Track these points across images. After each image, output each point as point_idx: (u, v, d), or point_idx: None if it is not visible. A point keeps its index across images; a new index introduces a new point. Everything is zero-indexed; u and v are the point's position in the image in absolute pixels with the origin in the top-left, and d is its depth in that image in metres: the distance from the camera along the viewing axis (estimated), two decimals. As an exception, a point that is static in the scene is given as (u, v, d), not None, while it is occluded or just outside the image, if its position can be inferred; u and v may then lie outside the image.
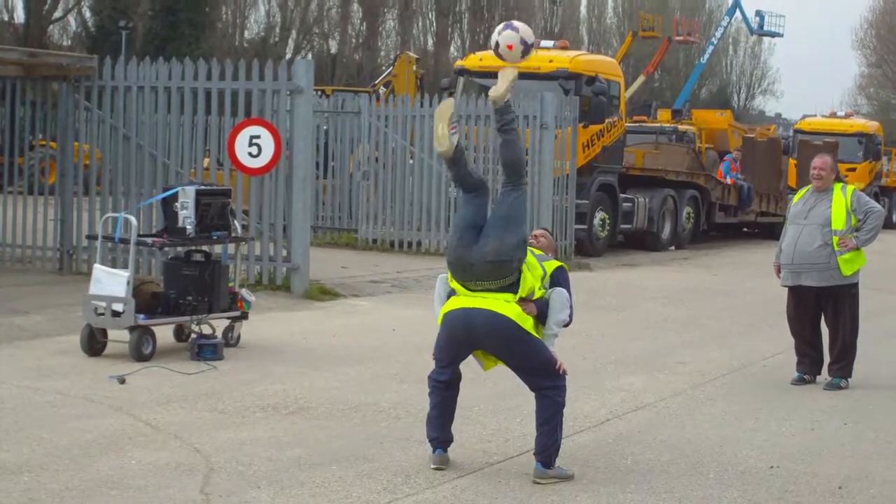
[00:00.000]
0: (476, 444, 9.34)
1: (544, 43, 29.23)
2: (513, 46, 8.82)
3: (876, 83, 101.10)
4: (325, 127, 26.40)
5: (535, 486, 8.25)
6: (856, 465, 9.27)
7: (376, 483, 8.18)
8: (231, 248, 14.16)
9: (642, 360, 13.63)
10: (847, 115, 48.21)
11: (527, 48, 8.83)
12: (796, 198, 12.95)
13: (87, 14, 69.62)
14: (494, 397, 10.83)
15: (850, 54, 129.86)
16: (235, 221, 13.75)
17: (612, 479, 8.53)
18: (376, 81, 44.33)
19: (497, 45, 8.85)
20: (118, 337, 12.39)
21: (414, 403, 10.49)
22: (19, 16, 68.10)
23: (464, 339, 8.43)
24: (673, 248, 30.14)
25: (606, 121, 27.06)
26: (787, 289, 12.79)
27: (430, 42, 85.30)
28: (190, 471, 8.32)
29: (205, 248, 13.58)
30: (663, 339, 15.42)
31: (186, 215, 12.97)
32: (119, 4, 63.28)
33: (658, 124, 43.01)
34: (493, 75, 29.49)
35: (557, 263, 8.73)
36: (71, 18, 71.48)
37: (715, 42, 69.47)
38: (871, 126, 46.70)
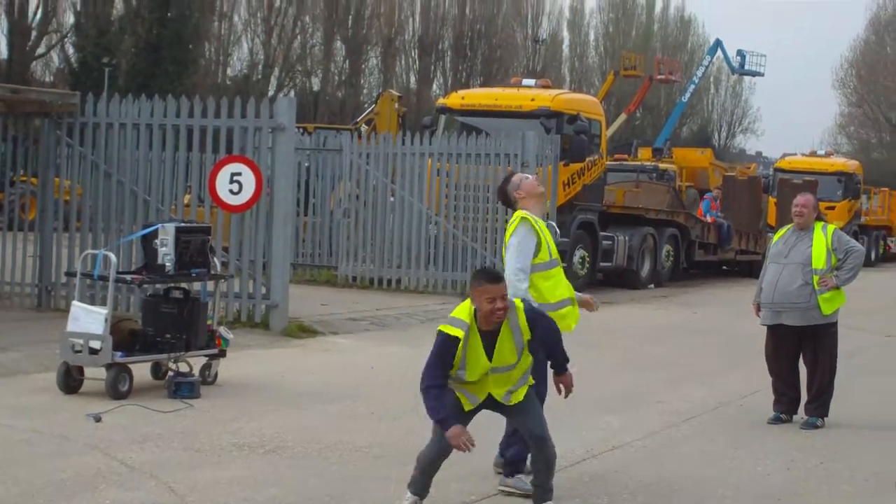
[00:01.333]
0: (453, 484, 9.32)
1: (526, 81, 29.40)
2: None
3: (856, 122, 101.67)
4: (306, 164, 26.40)
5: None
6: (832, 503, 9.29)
7: (352, 522, 8.17)
8: (210, 285, 14.16)
9: (620, 399, 13.64)
10: (827, 154, 48.44)
11: None
12: (777, 237, 12.99)
13: (71, 50, 69.75)
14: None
15: (830, 94, 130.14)
16: (215, 259, 13.75)
17: (588, 519, 8.53)
18: (358, 119, 44.49)
19: None
20: (95, 374, 12.36)
21: (391, 443, 10.48)
22: (2, 52, 68.31)
23: None
24: (652, 286, 30.15)
25: (587, 159, 27.11)
26: (765, 327, 12.82)
27: (413, 80, 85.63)
28: (165, 510, 8.30)
29: (184, 285, 13.58)
30: (642, 378, 15.42)
31: (166, 252, 12.96)
32: (102, 41, 63.41)
33: (639, 163, 43.20)
34: (473, 113, 29.52)
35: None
36: (54, 55, 71.67)
37: (696, 81, 69.78)
38: (851, 165, 46.89)
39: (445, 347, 7.95)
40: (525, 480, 9.19)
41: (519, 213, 9.52)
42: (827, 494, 9.62)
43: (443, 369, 7.99)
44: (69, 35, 69.49)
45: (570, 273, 25.91)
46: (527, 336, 8.24)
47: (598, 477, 9.83)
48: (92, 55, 63.68)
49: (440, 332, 8.02)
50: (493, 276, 7.99)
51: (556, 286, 9.55)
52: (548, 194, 24.63)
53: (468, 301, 8.08)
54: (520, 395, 8.42)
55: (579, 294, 9.58)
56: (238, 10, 77.18)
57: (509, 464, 9.37)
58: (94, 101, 18.21)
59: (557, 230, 10.25)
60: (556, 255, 9.57)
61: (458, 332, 7.94)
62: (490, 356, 8.08)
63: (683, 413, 12.93)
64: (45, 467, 9.30)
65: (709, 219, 34.35)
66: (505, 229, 9.85)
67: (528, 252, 9.32)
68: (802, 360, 12.72)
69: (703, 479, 9.89)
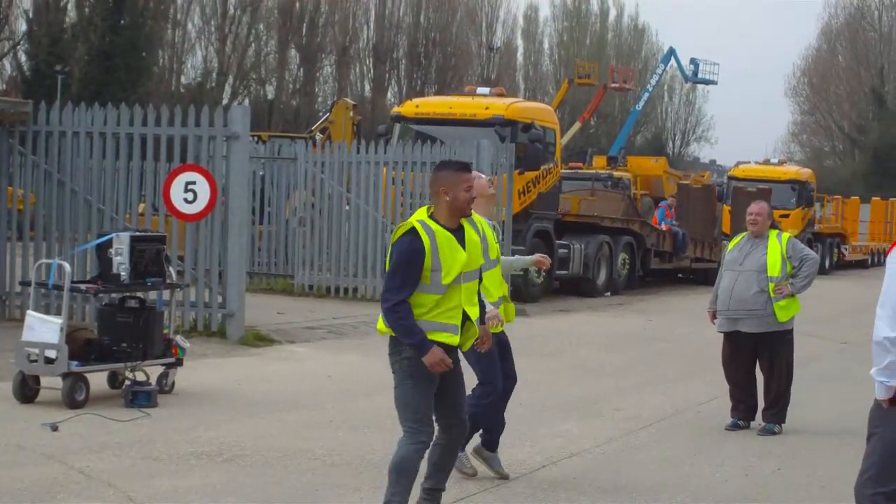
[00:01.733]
0: (413, 489, 9.30)
1: (480, 90, 29.40)
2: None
3: (809, 130, 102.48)
4: (261, 173, 26.32)
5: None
6: (789, 510, 9.33)
7: (311, 531, 8.14)
8: (166, 294, 14.08)
9: (578, 406, 13.66)
10: (780, 162, 48.64)
11: None
12: (731, 244, 13.05)
13: (23, 58, 69.33)
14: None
15: (783, 102, 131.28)
16: (170, 268, 13.69)
17: (548, 526, 8.53)
18: (313, 127, 44.37)
19: None
20: (51, 384, 12.28)
21: (350, 451, 10.45)
22: (-46, 60, 67.78)
23: None
24: (608, 294, 30.20)
25: (542, 167, 27.16)
26: (722, 335, 12.87)
27: (368, 88, 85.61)
28: (123, 519, 8.25)
29: (139, 294, 13.51)
30: (599, 385, 15.45)
31: (121, 261, 12.90)
32: (55, 49, 63.08)
33: (594, 171, 43.23)
34: (428, 121, 29.51)
35: None
36: (6, 62, 71.21)
37: (650, 89, 70.02)
38: (804, 173, 47.14)
39: (412, 255, 7.57)
40: (462, 460, 9.77)
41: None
42: (784, 500, 9.67)
43: (410, 282, 7.58)
44: (21, 42, 69.13)
45: (526, 281, 26.08)
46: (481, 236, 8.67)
47: (557, 484, 9.84)
48: (44, 63, 63.37)
49: (405, 235, 7.63)
50: (463, 164, 8.03)
51: (493, 286, 9.56)
52: (503, 202, 24.68)
53: (421, 210, 8.01)
54: (470, 338, 8.09)
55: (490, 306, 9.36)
56: (192, 18, 77.07)
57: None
58: (47, 109, 18.10)
59: (500, 231, 10.34)
60: (494, 255, 9.52)
61: (425, 238, 7.64)
62: (464, 247, 7.83)
63: (641, 420, 12.96)
64: (1, 477, 9.23)
65: (664, 227, 34.45)
66: None
67: None
68: (759, 366, 12.77)
69: (662, 486, 9.92)
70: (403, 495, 7.75)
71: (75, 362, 12.25)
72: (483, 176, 10.05)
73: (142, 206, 18.97)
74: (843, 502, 8.09)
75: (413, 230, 7.63)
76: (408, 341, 7.60)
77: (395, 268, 7.62)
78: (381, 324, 7.79)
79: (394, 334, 7.67)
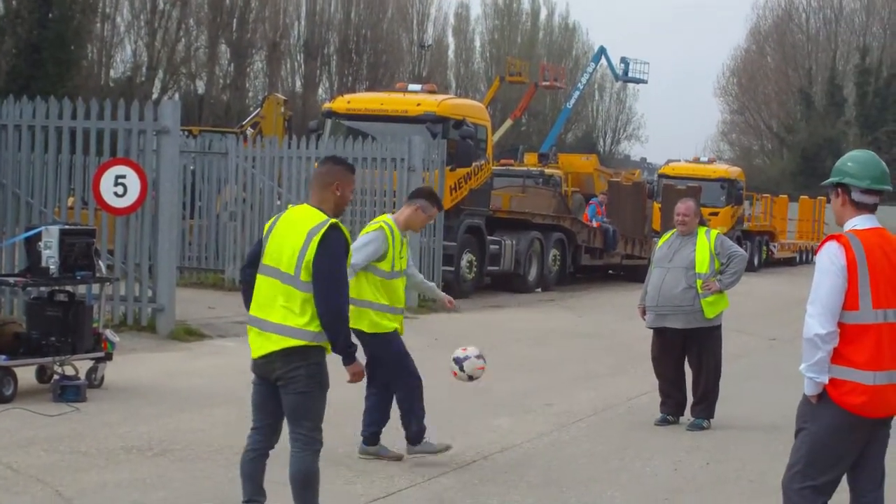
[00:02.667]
0: (341, 486, 9.31)
1: (412, 86, 29.40)
2: (457, 374, 10.60)
3: (738, 129, 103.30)
4: (191, 167, 26.18)
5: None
6: (718, 503, 9.40)
7: (242, 525, 8.11)
8: (95, 288, 13.98)
9: (509, 402, 13.69)
10: (710, 161, 49.02)
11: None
12: (661, 241, 13.14)
13: (-51, 52, 68.55)
14: (359, 440, 10.78)
15: (712, 101, 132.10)
16: (100, 261, 13.60)
17: (479, 520, 8.55)
18: (244, 122, 44.18)
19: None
20: (-22, 378, 12.17)
21: (281, 445, 10.40)
22: None
23: None
24: (539, 290, 30.28)
25: (474, 164, 27.18)
26: (651, 330, 12.96)
27: (299, 84, 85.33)
28: (52, 514, 8.19)
29: (69, 288, 13.41)
30: (530, 381, 15.50)
31: (50, 255, 12.80)
32: (-18, 42, 62.43)
33: (525, 168, 43.32)
34: (359, 117, 29.43)
35: None
36: (-68, 55, 70.34)
37: (581, 88, 70.24)
38: (734, 171, 47.50)
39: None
40: (434, 444, 10.26)
41: (382, 217, 10.57)
42: (713, 494, 9.75)
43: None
44: (-53, 36, 68.38)
45: (457, 277, 26.11)
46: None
47: (489, 479, 9.87)
48: (-29, 56, 62.71)
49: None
50: (352, 166, 7.97)
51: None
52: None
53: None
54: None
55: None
56: (121, 12, 76.30)
57: (370, 431, 10.40)
58: (-25, 102, 17.91)
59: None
60: (399, 267, 10.39)
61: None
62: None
63: (572, 415, 13.02)
64: (-73, 472, 9.15)
65: (595, 224, 34.57)
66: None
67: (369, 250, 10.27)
68: (688, 362, 12.86)
69: (592, 480, 9.98)
70: (317, 502, 7.64)
71: (3, 356, 12.16)
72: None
73: (71, 199, 18.82)
74: (771, 496, 8.17)
75: (336, 226, 7.51)
76: (351, 349, 7.55)
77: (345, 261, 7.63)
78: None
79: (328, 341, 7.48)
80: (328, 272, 7.35)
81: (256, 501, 7.74)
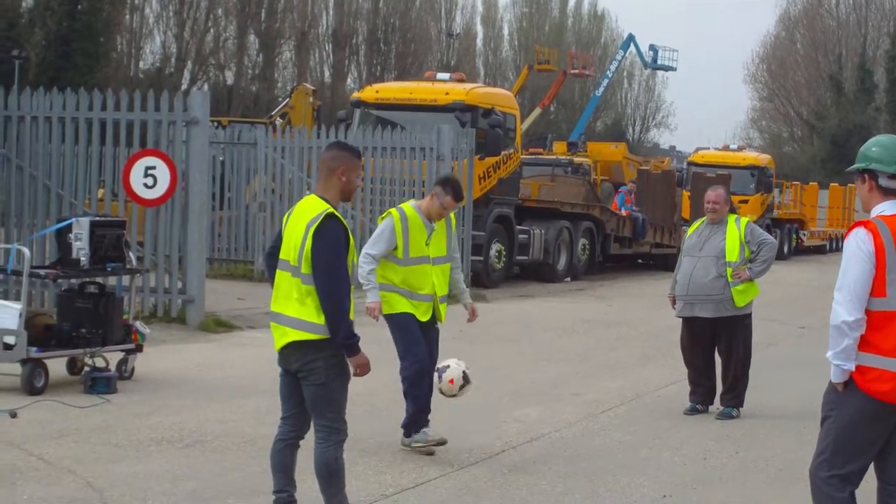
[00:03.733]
0: (371, 476, 9.34)
1: (440, 75, 29.41)
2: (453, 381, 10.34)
3: (768, 117, 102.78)
4: (221, 158, 26.25)
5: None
6: (747, 493, 9.40)
7: (272, 515, 8.16)
8: (125, 279, 14.04)
9: (537, 391, 13.70)
10: (739, 148, 48.88)
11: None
12: (691, 230, 13.11)
13: (-21, 44, 68.81)
14: (390, 430, 10.81)
15: (742, 88, 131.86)
16: (130, 253, 13.66)
17: (508, 510, 8.57)
18: (273, 113, 44.27)
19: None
20: (10, 370, 12.24)
21: (309, 435, 10.44)
22: None
23: None
24: (568, 279, 30.25)
25: (502, 153, 27.18)
26: (681, 319, 12.94)
27: (327, 74, 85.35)
28: (83, 505, 8.25)
29: (99, 279, 13.47)
30: (558, 370, 15.50)
31: (80, 247, 12.86)
32: (12, 34, 62.58)
33: (554, 156, 43.29)
34: (388, 107, 29.38)
35: None
36: (-38, 48, 70.64)
37: (610, 75, 70.14)
38: (763, 159, 47.33)
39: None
40: (428, 432, 10.19)
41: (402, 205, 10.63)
42: (742, 483, 9.74)
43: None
44: (-23, 28, 68.62)
45: (486, 266, 26.13)
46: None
47: (517, 468, 9.88)
48: (1, 48, 62.88)
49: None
50: (358, 151, 7.97)
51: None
52: (464, 187, 24.67)
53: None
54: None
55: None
56: (150, 3, 76.40)
57: (407, 426, 10.27)
58: (5, 94, 17.99)
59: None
60: (421, 253, 10.42)
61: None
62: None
63: (601, 404, 13.02)
64: (-40, 464, 9.22)
65: (624, 212, 34.52)
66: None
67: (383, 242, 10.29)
68: (717, 351, 12.84)
69: (621, 469, 9.98)
70: (338, 498, 7.59)
71: (34, 348, 12.21)
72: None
73: (101, 191, 18.90)
74: (800, 484, 8.15)
75: (332, 215, 7.49)
76: (354, 338, 7.44)
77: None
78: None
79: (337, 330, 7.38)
80: (325, 264, 7.32)
81: (286, 492, 7.74)
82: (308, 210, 7.48)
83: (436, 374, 10.31)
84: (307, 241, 7.34)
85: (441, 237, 10.54)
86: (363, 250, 10.30)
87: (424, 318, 10.30)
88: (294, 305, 7.42)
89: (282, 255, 7.57)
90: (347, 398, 7.64)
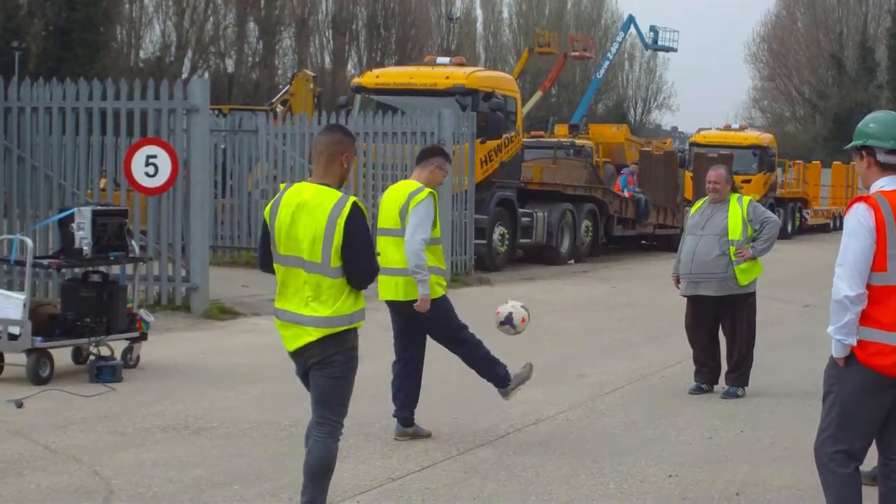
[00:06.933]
0: (377, 461, 9.35)
1: (441, 59, 29.44)
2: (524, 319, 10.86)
3: (769, 96, 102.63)
4: (222, 146, 26.25)
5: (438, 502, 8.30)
6: (753, 471, 9.41)
7: (279, 501, 8.19)
8: (129, 268, 14.04)
9: (542, 373, 13.64)
10: (741, 128, 48.83)
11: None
12: (693, 209, 13.11)
13: (-22, 36, 68.76)
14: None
15: (743, 68, 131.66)
16: (133, 241, 13.66)
17: (514, 492, 8.59)
18: (273, 100, 44.22)
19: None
20: (15, 360, 12.26)
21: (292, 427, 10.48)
22: None
23: None
24: (572, 261, 30.26)
25: (504, 136, 27.19)
26: (685, 301, 12.94)
27: (328, 60, 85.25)
28: (90, 494, 8.27)
29: (102, 268, 13.48)
30: (563, 352, 15.51)
31: (83, 236, 12.87)
32: (11, 25, 62.54)
33: (556, 139, 43.25)
34: (389, 92, 29.34)
35: None
36: (-38, 40, 70.58)
37: (610, 57, 69.99)
38: (765, 138, 47.32)
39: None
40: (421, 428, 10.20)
41: (427, 189, 10.18)
42: (747, 462, 9.74)
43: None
44: (-23, 20, 68.57)
45: (490, 250, 26.14)
46: None
47: (523, 450, 9.90)
48: (1, 39, 62.85)
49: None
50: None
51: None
52: (465, 172, 24.71)
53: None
54: None
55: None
56: (149, -8, 76.49)
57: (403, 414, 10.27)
58: (5, 85, 17.99)
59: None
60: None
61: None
62: None
63: (605, 386, 13.03)
64: (-34, 454, 9.24)
65: (626, 194, 34.54)
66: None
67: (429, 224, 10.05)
68: (722, 330, 12.84)
69: (627, 449, 9.99)
70: (324, 496, 7.34)
71: (39, 338, 12.23)
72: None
73: (103, 180, 18.91)
74: (806, 461, 8.16)
75: (357, 204, 7.20)
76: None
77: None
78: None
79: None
80: (361, 254, 7.12)
81: None
82: (318, 200, 7.13)
83: (506, 326, 10.65)
84: (336, 234, 7.03)
85: None
86: (416, 236, 9.89)
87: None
88: (311, 304, 7.14)
89: (284, 251, 7.21)
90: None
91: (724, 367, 12.80)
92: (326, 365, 7.22)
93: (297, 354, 7.29)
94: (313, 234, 7.08)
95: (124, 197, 17.84)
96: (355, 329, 7.29)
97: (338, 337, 7.18)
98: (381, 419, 10.55)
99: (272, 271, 7.38)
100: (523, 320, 10.71)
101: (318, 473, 7.27)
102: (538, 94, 64.80)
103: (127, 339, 13.18)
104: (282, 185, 7.51)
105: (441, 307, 10.09)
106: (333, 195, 7.15)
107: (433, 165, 10.34)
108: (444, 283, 10.27)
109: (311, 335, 7.15)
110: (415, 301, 9.88)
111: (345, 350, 7.22)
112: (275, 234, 7.23)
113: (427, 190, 10.09)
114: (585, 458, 9.66)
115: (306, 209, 7.13)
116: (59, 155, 17.90)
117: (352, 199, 7.12)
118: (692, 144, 46.28)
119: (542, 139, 42.40)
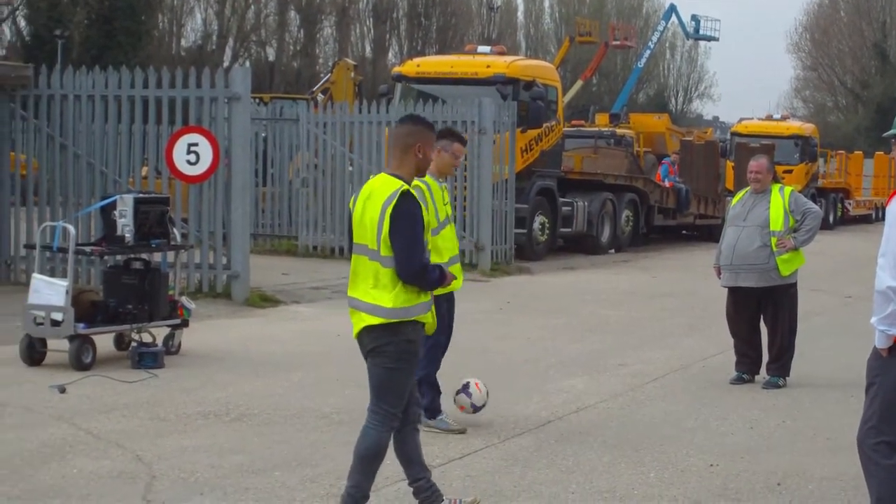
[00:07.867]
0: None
1: (481, 48, 29.40)
2: (464, 408, 10.14)
3: (811, 86, 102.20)
4: (263, 134, 26.35)
5: (473, 490, 8.30)
6: (794, 461, 9.37)
7: (320, 487, 8.20)
8: (170, 255, 14.10)
9: (583, 363, 13.69)
10: (783, 118, 48.59)
11: (476, 410, 10.19)
12: (735, 200, 13.06)
13: (22, 23, 69.14)
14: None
15: (785, 58, 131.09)
16: (174, 229, 13.72)
17: (554, 480, 8.58)
18: (314, 88, 44.39)
19: (454, 400, 10.16)
20: (58, 346, 12.33)
21: (356, 408, 10.46)
22: (-48, 26, 67.57)
23: None
24: (612, 251, 30.21)
25: (544, 125, 27.14)
26: (726, 290, 12.89)
27: (368, 49, 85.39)
28: (132, 479, 8.31)
29: (144, 256, 13.54)
30: (604, 341, 15.48)
31: (125, 223, 12.93)
32: (55, 13, 62.83)
33: (596, 128, 43.21)
34: (429, 80, 29.33)
35: None
36: (6, 27, 70.96)
37: (652, 46, 69.90)
38: (807, 128, 47.07)
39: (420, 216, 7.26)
40: (446, 420, 10.02)
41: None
42: (788, 452, 9.70)
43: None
44: (20, 8, 68.90)
45: (530, 239, 26.11)
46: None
47: (564, 438, 9.89)
48: (44, 27, 63.15)
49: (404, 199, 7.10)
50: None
51: (446, 246, 9.92)
52: (506, 161, 24.69)
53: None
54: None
55: None
56: (191, -19, 76.75)
57: (428, 409, 9.93)
58: (49, 73, 18.09)
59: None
60: (445, 215, 9.91)
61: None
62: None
63: (646, 375, 13.00)
64: (10, 438, 9.30)
65: (667, 183, 34.43)
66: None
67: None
68: (763, 320, 12.79)
69: (667, 439, 9.96)
70: (370, 481, 7.36)
71: (82, 324, 12.29)
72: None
73: (144, 168, 19.00)
74: (848, 452, 8.13)
75: (408, 193, 7.16)
76: (443, 282, 7.33)
77: (415, 234, 7.17)
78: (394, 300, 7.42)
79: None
80: (406, 244, 7.08)
81: (424, 478, 7.57)
82: (380, 190, 7.18)
83: (463, 395, 10.10)
84: (384, 222, 7.08)
85: (448, 194, 10.31)
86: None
87: (459, 280, 10.13)
88: (370, 291, 7.16)
89: (357, 240, 7.25)
90: (409, 388, 7.41)
91: (766, 357, 12.76)
92: (378, 354, 7.22)
93: (358, 340, 7.33)
94: (372, 221, 7.14)
95: (166, 185, 17.91)
96: (414, 322, 7.24)
97: (391, 327, 7.16)
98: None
99: None
100: (478, 387, 10.12)
101: (367, 459, 7.29)
102: (579, 84, 64.72)
103: (168, 325, 13.24)
104: (370, 175, 7.58)
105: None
106: (393, 184, 7.17)
107: (438, 148, 9.38)
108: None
109: (364, 321, 7.19)
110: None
111: (398, 342, 7.19)
112: (351, 223, 7.34)
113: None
114: (626, 447, 9.65)
115: (371, 199, 7.20)
116: (101, 143, 17.99)
117: (404, 188, 7.12)
118: (734, 134, 46.07)
119: (582, 128, 42.37)
